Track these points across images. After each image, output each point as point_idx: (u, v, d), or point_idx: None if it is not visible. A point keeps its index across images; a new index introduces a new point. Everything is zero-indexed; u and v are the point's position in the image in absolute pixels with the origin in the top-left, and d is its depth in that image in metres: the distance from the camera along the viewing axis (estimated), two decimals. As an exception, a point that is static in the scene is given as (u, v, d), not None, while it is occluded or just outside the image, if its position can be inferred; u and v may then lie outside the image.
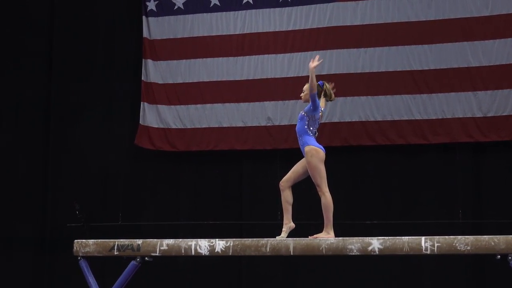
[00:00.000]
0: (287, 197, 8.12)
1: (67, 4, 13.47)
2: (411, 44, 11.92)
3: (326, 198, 7.90)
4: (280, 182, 8.18)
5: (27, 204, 13.11)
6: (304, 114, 8.10)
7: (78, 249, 8.09)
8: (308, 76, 7.89)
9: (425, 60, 11.86)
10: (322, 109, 8.22)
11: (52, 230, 12.95)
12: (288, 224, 8.08)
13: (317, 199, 7.97)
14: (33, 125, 13.31)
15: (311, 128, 8.10)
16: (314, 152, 7.96)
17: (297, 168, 8.19)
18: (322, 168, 7.96)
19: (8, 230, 13.02)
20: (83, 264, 8.12)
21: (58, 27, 13.40)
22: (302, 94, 8.28)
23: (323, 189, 7.91)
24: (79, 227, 12.35)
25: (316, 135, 8.16)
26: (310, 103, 7.99)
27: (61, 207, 12.90)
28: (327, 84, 8.26)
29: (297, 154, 11.93)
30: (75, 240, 8.18)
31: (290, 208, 8.12)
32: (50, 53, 13.40)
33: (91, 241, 8.09)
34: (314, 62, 7.92)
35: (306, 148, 8.02)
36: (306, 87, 8.19)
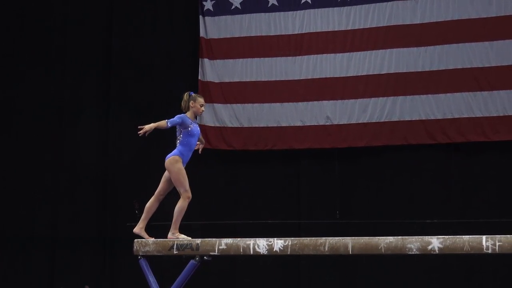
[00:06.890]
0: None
1: (124, 3, 13.60)
2: (471, 42, 11.80)
3: None
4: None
5: (87, 203, 13.27)
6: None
7: (138, 248, 8.14)
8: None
9: (486, 57, 11.73)
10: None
11: (112, 229, 13.07)
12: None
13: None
14: (96, 125, 13.48)
15: None
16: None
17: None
18: None
19: (68, 229, 13.19)
20: (143, 263, 8.15)
21: (116, 27, 13.53)
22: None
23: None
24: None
25: None
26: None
27: (120, 207, 13.00)
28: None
29: (355, 153, 11.96)
30: (135, 240, 8.22)
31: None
32: (109, 53, 13.55)
33: (150, 240, 8.14)
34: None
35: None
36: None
